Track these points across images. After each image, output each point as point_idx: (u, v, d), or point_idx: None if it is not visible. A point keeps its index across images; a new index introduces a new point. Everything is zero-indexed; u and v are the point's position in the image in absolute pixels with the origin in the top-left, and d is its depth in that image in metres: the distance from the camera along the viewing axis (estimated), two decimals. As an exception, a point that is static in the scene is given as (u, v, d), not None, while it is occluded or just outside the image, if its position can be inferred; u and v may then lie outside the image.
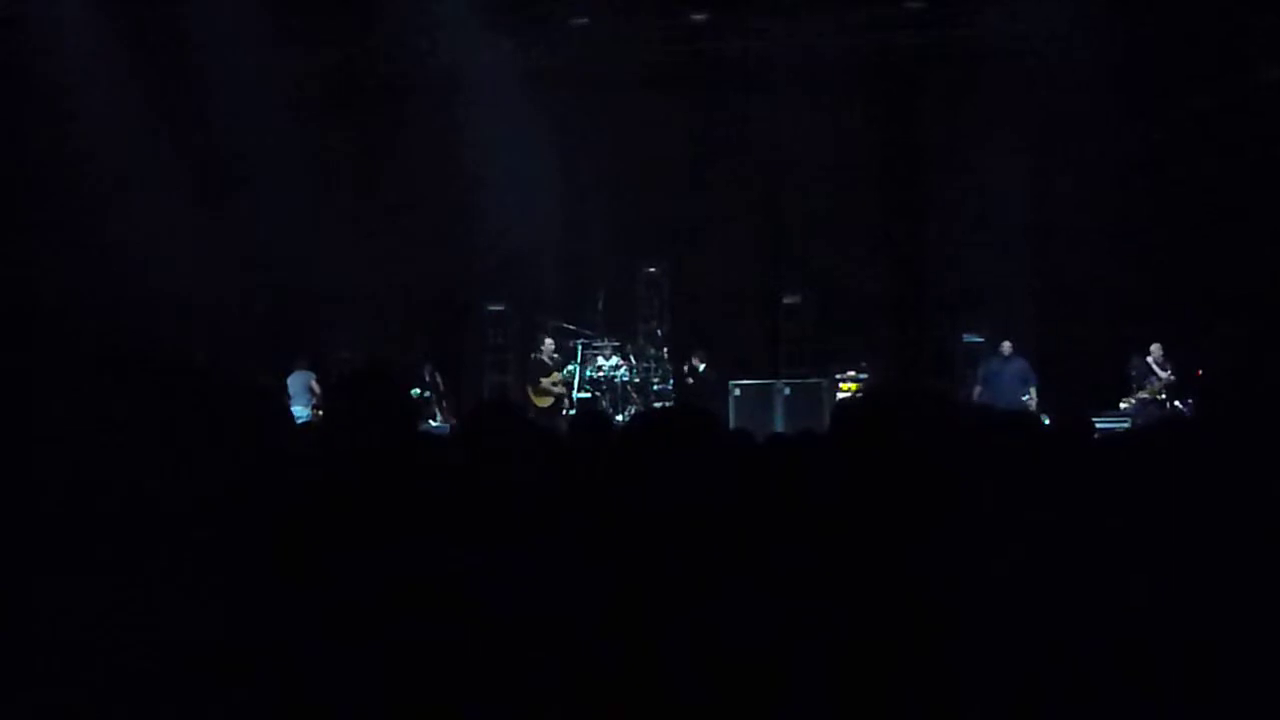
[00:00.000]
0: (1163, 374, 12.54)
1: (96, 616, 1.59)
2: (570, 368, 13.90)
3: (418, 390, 13.36)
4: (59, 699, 1.55)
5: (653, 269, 15.04)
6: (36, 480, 1.67)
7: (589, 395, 13.83)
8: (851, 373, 13.49)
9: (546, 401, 13.62)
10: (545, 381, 13.71)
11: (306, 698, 1.65)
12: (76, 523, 1.65)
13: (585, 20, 13.98)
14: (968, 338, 14.03)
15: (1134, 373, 12.72)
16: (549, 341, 13.86)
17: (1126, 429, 9.95)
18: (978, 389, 13.06)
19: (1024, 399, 12.56)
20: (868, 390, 12.55)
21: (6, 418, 1.70)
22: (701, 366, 13.89)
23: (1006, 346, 13.07)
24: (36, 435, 1.70)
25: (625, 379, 14.02)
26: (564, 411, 13.43)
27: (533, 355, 13.98)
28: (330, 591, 1.74)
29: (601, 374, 13.98)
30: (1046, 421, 11.50)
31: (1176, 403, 12.29)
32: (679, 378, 14.11)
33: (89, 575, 1.63)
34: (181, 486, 1.70)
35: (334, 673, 1.66)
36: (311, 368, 13.50)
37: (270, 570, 1.72)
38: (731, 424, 11.88)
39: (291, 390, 13.19)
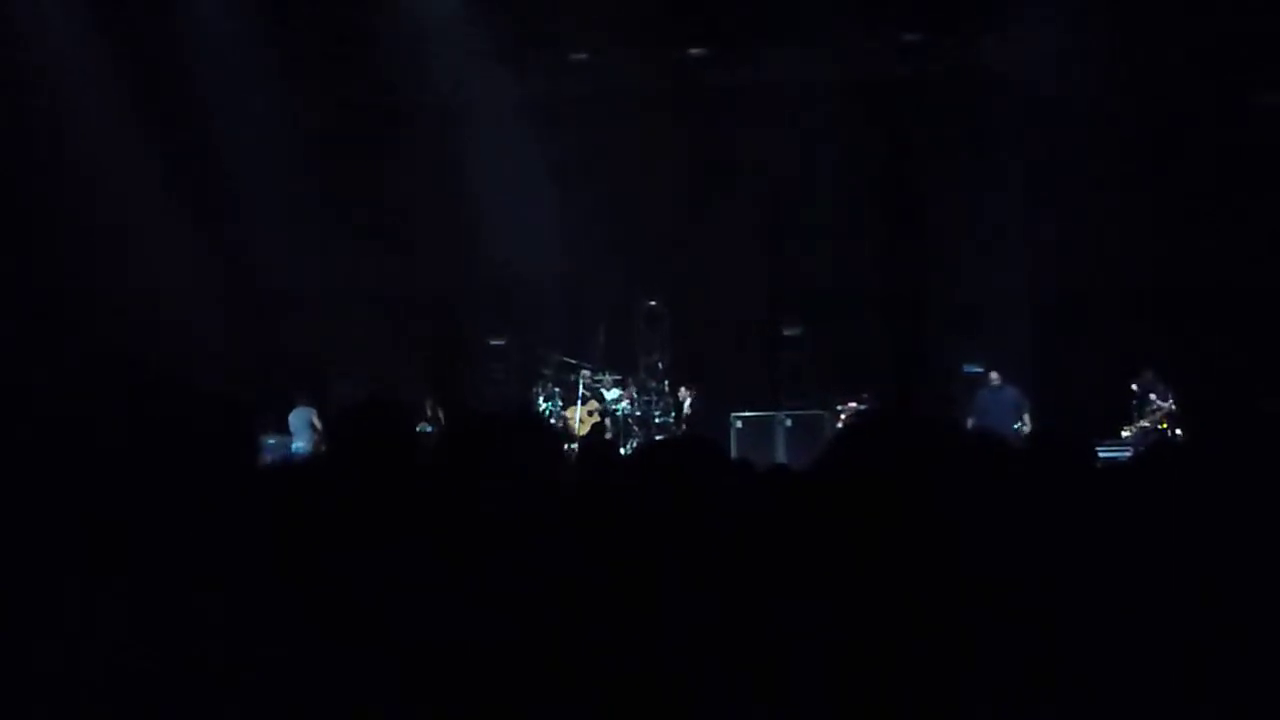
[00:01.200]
0: (1164, 402, 12.52)
1: (96, 617, 1.61)
2: (609, 398, 13.93)
3: (427, 428, 13.30)
4: (61, 699, 1.57)
5: (653, 302, 15.06)
6: (39, 483, 1.70)
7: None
8: (853, 404, 13.48)
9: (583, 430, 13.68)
10: (579, 410, 13.77)
11: (306, 698, 1.66)
12: (76, 526, 1.68)
13: (584, 55, 14.10)
14: (968, 368, 14.02)
15: (1135, 401, 12.69)
16: (586, 373, 13.90)
17: (1127, 457, 9.96)
18: (970, 420, 12.99)
19: (1016, 427, 12.54)
20: (864, 413, 12.53)
21: (7, 424, 1.74)
22: (688, 400, 13.92)
23: (995, 377, 13.06)
24: (38, 440, 1.73)
25: (627, 412, 14.03)
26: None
27: (554, 384, 14.06)
28: (330, 593, 1.75)
29: (603, 407, 14.00)
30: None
31: (1179, 430, 12.26)
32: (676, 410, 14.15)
33: (87, 577, 1.65)
34: (180, 490, 1.73)
35: (333, 673, 1.67)
36: (312, 403, 13.50)
37: (270, 574, 1.74)
38: (733, 456, 11.86)
39: (293, 426, 13.19)
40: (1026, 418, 12.71)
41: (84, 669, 1.67)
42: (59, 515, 1.79)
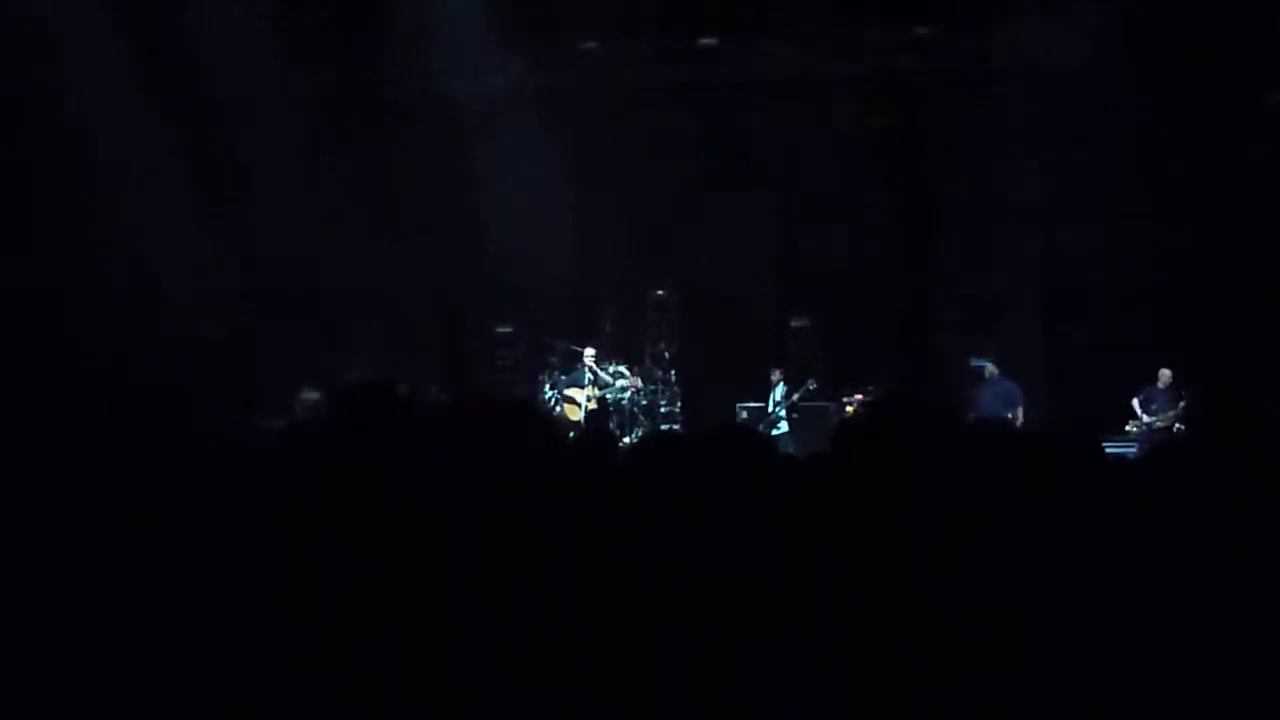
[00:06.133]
0: (1179, 402, 12.48)
1: (96, 615, 1.60)
2: (617, 385, 13.83)
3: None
4: (62, 695, 1.56)
5: (660, 291, 15.04)
6: (39, 480, 1.69)
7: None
8: (859, 396, 13.47)
9: (576, 414, 13.58)
10: (579, 394, 13.68)
11: (304, 697, 1.65)
12: (76, 525, 1.67)
13: (594, 44, 14.05)
14: (975, 362, 14.01)
15: (1149, 400, 12.65)
16: (590, 352, 13.81)
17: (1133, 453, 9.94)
18: (970, 414, 13.03)
19: (1008, 416, 12.56)
20: (870, 404, 12.45)
21: (8, 420, 1.73)
22: (780, 385, 13.80)
23: (990, 369, 13.10)
24: (38, 439, 1.72)
25: (633, 401, 14.00)
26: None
27: (560, 371, 13.99)
28: (325, 594, 1.74)
29: (610, 396, 13.97)
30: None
31: (1179, 426, 12.25)
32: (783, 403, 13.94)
33: (86, 575, 1.64)
34: (180, 488, 1.72)
35: (329, 676, 1.66)
36: (316, 389, 13.47)
37: (269, 574, 1.72)
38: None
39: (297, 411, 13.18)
40: (1020, 411, 12.73)
41: (83, 665, 1.67)
42: (57, 507, 1.78)
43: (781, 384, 13.87)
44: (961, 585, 1.97)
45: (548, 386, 14.12)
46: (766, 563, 2.03)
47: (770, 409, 13.80)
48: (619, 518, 2.21)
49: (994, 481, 2.36)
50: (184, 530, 1.79)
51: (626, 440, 12.28)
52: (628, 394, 13.94)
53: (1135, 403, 12.64)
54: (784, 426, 13.53)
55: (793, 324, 14.65)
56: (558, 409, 13.74)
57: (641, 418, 13.96)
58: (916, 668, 1.85)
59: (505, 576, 1.83)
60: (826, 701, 1.85)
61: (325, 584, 1.78)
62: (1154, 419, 12.48)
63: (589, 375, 13.78)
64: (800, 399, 13.66)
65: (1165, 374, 12.60)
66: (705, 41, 14.16)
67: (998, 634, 1.89)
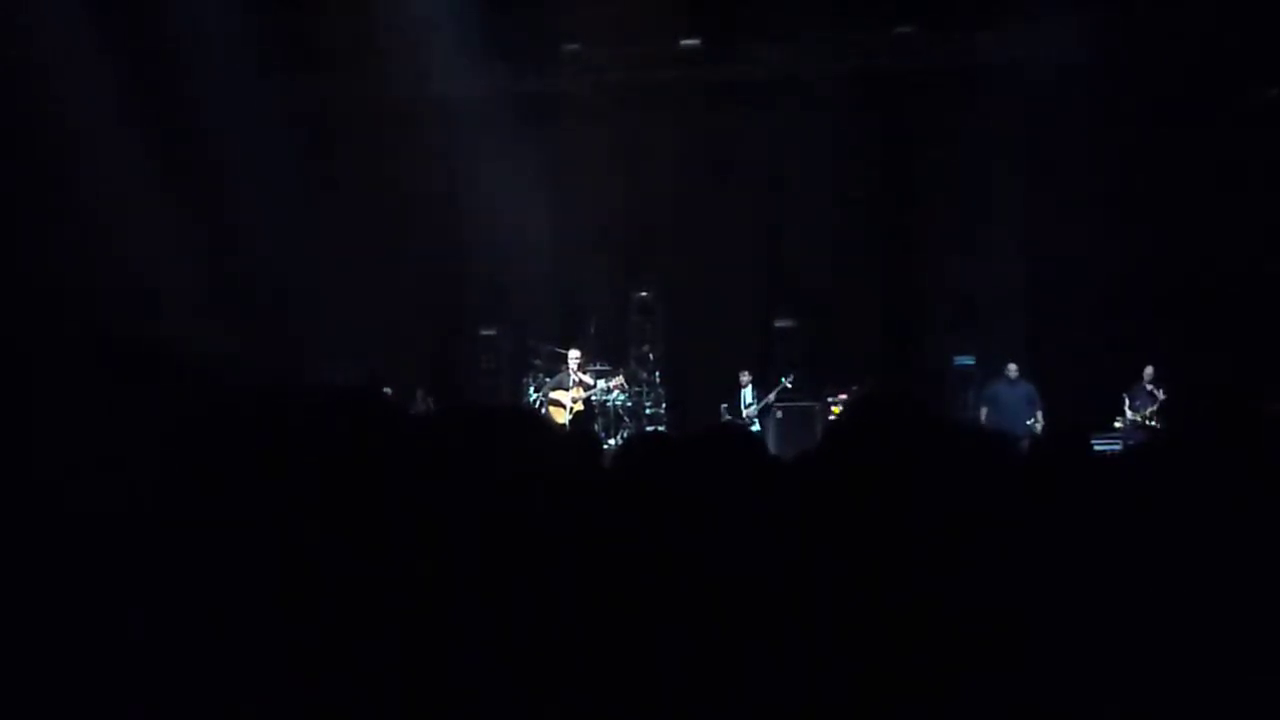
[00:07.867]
0: (1160, 396, 12.58)
1: (95, 615, 1.59)
2: (601, 386, 13.77)
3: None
4: (61, 694, 1.55)
5: (645, 293, 15.03)
6: (38, 477, 1.68)
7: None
8: (844, 396, 13.49)
9: (561, 416, 13.52)
10: (564, 396, 13.63)
11: (304, 697, 1.65)
12: (76, 520, 1.66)
13: (577, 46, 14.05)
14: (959, 361, 14.05)
15: (1133, 397, 12.73)
16: (574, 354, 13.74)
17: (1116, 448, 9.99)
18: (984, 411, 13.02)
19: (1029, 422, 12.55)
20: (858, 399, 12.41)
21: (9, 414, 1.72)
22: (749, 387, 13.77)
23: (1013, 369, 13.03)
24: (42, 437, 1.71)
25: (618, 403, 13.97)
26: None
27: (545, 374, 13.95)
28: (325, 594, 1.73)
29: (594, 398, 13.93)
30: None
31: (1154, 423, 12.36)
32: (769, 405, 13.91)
33: (86, 571, 1.63)
34: (184, 484, 1.71)
35: (323, 674, 1.65)
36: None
37: (268, 574, 1.72)
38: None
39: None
40: (1040, 415, 12.72)
41: (81, 664, 1.66)
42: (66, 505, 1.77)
43: (750, 386, 13.88)
44: (960, 584, 1.97)
45: (532, 389, 14.07)
46: (765, 562, 2.02)
47: (743, 411, 13.79)
48: (618, 518, 2.21)
49: (989, 479, 2.36)
50: (183, 530, 1.78)
51: (611, 442, 12.25)
52: (612, 396, 13.91)
53: (1125, 399, 12.73)
54: (755, 428, 13.49)
55: (777, 325, 14.65)
56: (542, 412, 13.69)
57: (626, 419, 13.93)
58: (916, 668, 1.84)
59: (505, 576, 1.83)
60: (826, 701, 1.85)
61: (325, 584, 1.77)
62: (1136, 415, 12.56)
63: (573, 378, 13.73)
64: (777, 397, 13.67)
65: (1148, 371, 12.70)
66: (687, 44, 14.18)
67: (997, 633, 1.89)
